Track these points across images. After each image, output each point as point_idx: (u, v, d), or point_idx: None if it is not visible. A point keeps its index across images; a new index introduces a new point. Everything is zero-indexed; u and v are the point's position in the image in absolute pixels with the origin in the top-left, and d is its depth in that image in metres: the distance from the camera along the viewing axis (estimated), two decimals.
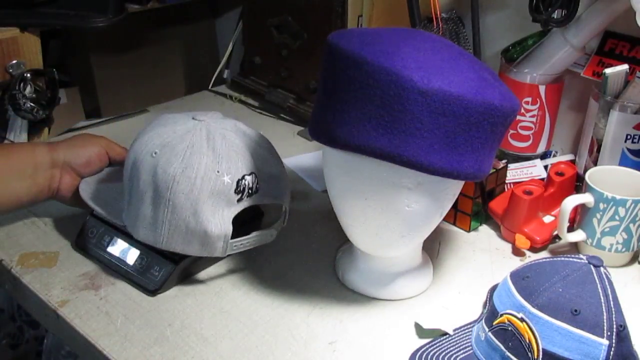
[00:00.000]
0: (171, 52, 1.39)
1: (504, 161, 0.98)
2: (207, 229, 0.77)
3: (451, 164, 0.68)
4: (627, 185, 0.87)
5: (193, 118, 0.81)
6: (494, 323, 0.69)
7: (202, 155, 0.77)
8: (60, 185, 0.88)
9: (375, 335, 0.76)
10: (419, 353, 0.72)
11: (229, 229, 0.78)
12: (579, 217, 0.89)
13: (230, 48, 1.44)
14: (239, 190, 0.79)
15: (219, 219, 0.77)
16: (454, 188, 0.74)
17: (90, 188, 0.88)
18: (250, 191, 0.80)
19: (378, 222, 0.74)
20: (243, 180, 0.79)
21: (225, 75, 1.47)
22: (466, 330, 0.75)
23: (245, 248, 0.82)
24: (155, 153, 0.77)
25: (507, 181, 1.00)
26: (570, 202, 0.85)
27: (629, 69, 0.95)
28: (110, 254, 0.85)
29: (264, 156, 0.83)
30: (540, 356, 0.64)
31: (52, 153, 0.87)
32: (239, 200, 0.79)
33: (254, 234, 0.82)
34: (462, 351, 0.72)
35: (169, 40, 1.38)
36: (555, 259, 0.71)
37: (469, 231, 0.96)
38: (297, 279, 0.85)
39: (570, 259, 0.69)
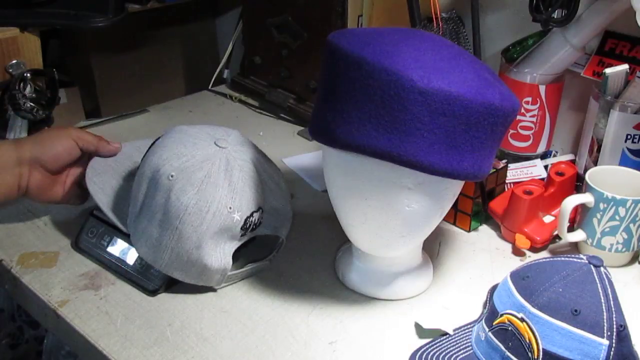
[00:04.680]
0: (171, 52, 1.39)
1: (504, 161, 0.98)
2: (207, 262, 0.77)
3: (451, 164, 0.68)
4: (627, 185, 0.87)
5: (215, 143, 0.78)
6: (494, 323, 0.69)
7: (218, 187, 0.75)
8: (29, 184, 0.85)
9: (375, 335, 0.76)
10: (419, 353, 0.72)
11: (228, 263, 0.79)
12: (579, 217, 0.89)
13: (230, 48, 1.44)
14: (245, 227, 0.78)
15: (220, 253, 0.77)
16: (454, 188, 0.74)
17: (99, 180, 0.87)
18: (254, 226, 0.80)
19: (378, 222, 0.74)
20: (251, 218, 0.78)
21: (225, 75, 1.47)
22: (466, 330, 0.75)
23: (240, 279, 0.84)
24: (172, 176, 0.75)
25: (507, 181, 1.00)
26: (571, 202, 0.85)
27: (629, 68, 0.95)
28: (110, 254, 0.84)
29: (272, 188, 0.83)
30: (541, 356, 0.64)
31: (18, 150, 0.84)
32: (242, 236, 0.79)
33: (249, 266, 0.84)
34: (462, 351, 0.72)
35: (169, 40, 1.38)
36: (555, 259, 0.71)
37: (469, 231, 0.96)
38: (297, 279, 0.85)
39: (571, 259, 0.69)
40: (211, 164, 0.76)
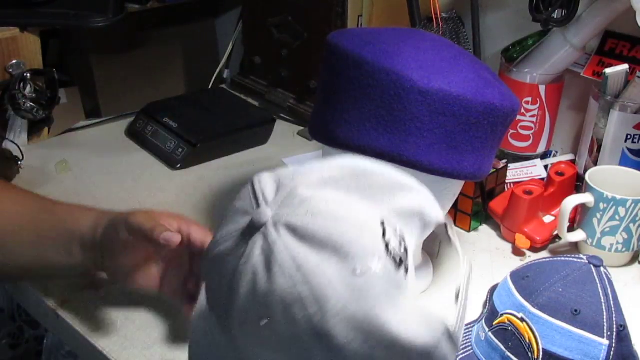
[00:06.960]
0: (171, 52, 1.39)
1: (504, 161, 0.98)
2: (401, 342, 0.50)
3: (451, 164, 0.68)
4: (627, 185, 0.87)
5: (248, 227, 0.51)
6: (494, 323, 0.69)
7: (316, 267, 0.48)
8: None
9: None
10: None
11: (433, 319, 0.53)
12: (579, 217, 0.89)
13: (230, 48, 1.44)
14: (396, 259, 0.51)
15: (412, 314, 0.51)
16: (454, 188, 0.74)
17: None
18: (402, 245, 0.52)
19: None
20: (384, 238, 0.51)
21: (225, 75, 1.47)
22: (466, 330, 0.75)
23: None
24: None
25: (507, 181, 1.00)
26: (571, 202, 0.85)
27: (629, 68, 0.95)
28: None
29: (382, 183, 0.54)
30: (541, 356, 0.64)
31: (96, 233, 0.68)
32: (406, 271, 0.51)
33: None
34: (462, 351, 0.72)
35: (169, 40, 1.37)
36: (555, 258, 0.71)
37: (469, 231, 0.96)
38: None
39: (571, 259, 0.69)
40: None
